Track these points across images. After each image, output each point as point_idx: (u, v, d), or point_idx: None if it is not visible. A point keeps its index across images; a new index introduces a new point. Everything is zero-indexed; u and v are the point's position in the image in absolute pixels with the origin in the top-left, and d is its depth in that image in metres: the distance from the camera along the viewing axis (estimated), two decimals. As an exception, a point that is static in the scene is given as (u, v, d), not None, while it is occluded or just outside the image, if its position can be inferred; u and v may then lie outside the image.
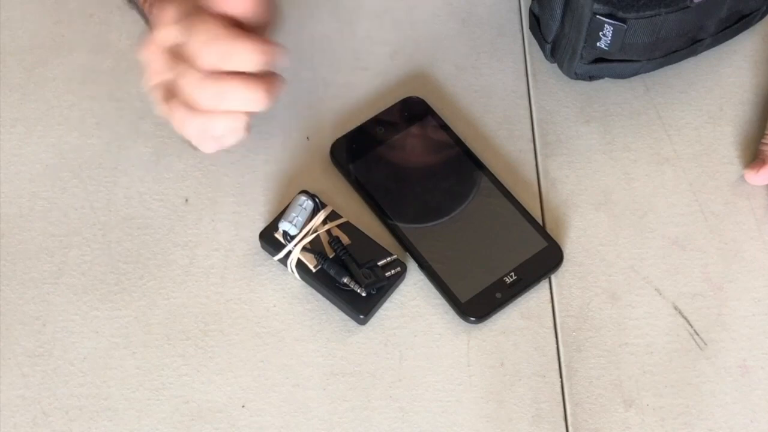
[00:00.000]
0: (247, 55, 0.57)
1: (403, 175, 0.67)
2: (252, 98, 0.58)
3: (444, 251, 0.63)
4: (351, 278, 0.61)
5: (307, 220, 0.63)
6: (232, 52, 0.57)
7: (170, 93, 0.59)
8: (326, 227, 0.63)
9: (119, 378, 0.61)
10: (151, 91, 0.61)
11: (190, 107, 0.59)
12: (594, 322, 0.62)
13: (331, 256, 0.62)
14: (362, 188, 0.66)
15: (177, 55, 0.58)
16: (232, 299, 0.63)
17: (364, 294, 0.61)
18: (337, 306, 0.62)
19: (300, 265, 0.62)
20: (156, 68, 0.59)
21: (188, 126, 0.60)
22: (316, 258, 0.62)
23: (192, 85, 0.58)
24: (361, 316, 0.61)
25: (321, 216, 0.64)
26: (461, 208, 0.65)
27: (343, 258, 0.62)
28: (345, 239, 0.63)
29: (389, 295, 0.63)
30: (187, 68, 0.58)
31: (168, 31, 0.58)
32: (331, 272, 0.61)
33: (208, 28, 0.57)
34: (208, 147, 0.63)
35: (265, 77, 0.59)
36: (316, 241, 0.63)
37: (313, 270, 0.62)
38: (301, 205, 0.63)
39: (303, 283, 0.63)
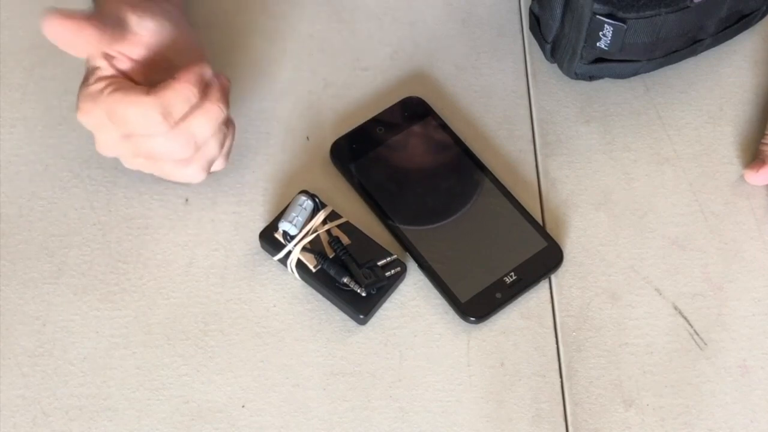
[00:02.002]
0: (178, 105, 0.58)
1: (403, 175, 0.67)
2: (215, 117, 0.60)
3: (444, 251, 0.63)
4: (351, 278, 0.61)
5: (307, 220, 0.63)
6: (125, 110, 0.58)
7: (137, 152, 0.61)
8: (326, 227, 0.63)
9: (119, 378, 0.61)
10: (109, 154, 0.63)
11: (169, 160, 0.61)
12: (594, 322, 0.62)
13: (331, 256, 0.62)
14: (362, 188, 0.66)
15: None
16: (232, 299, 0.63)
17: (364, 294, 0.61)
18: (337, 306, 0.62)
19: (300, 265, 0.62)
20: (106, 144, 0.61)
21: (179, 175, 0.63)
22: (316, 258, 0.62)
23: (159, 146, 0.60)
24: (361, 316, 0.61)
25: (321, 216, 0.64)
26: (461, 208, 0.65)
27: (343, 258, 0.62)
28: (345, 239, 0.63)
29: (389, 295, 0.63)
30: (141, 140, 0.60)
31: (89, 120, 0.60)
32: (331, 272, 0.61)
33: (116, 106, 0.58)
34: (198, 177, 0.64)
35: (210, 88, 0.60)
36: (316, 241, 0.63)
37: (313, 270, 0.62)
38: (301, 205, 0.63)
39: (303, 283, 0.63)
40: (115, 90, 0.58)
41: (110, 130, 0.60)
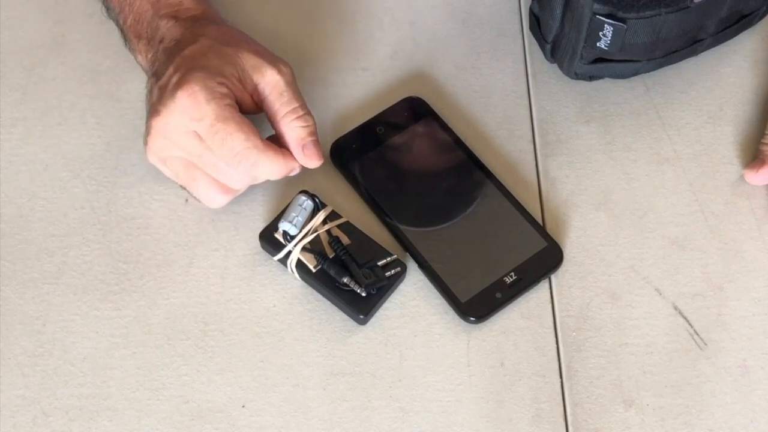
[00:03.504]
0: (269, 171, 0.62)
1: (403, 175, 0.67)
2: (286, 172, 0.63)
3: (444, 251, 0.63)
4: (351, 278, 0.61)
5: (307, 220, 0.63)
6: (257, 169, 0.62)
7: (188, 164, 0.62)
8: (326, 227, 0.63)
9: (119, 378, 0.61)
10: (159, 162, 0.64)
11: (218, 180, 0.63)
12: (594, 322, 0.62)
13: (331, 256, 0.62)
14: (362, 188, 0.66)
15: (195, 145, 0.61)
16: (232, 299, 0.63)
17: (364, 294, 0.61)
18: (337, 306, 0.62)
19: (300, 265, 0.62)
20: (168, 152, 0.63)
21: (209, 197, 0.64)
22: (316, 258, 0.62)
23: (224, 175, 0.62)
24: (361, 316, 0.61)
25: (321, 216, 0.64)
26: (461, 208, 0.65)
27: (343, 258, 0.62)
28: (345, 239, 0.63)
29: (389, 295, 0.63)
30: (212, 158, 0.61)
31: (189, 143, 0.61)
32: (331, 272, 0.61)
33: (233, 144, 0.60)
34: (220, 204, 0.65)
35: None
36: (316, 241, 0.63)
37: (313, 270, 0.62)
38: (301, 205, 0.63)
39: (303, 283, 0.63)
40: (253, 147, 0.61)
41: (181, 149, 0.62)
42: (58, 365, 0.61)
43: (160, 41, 0.65)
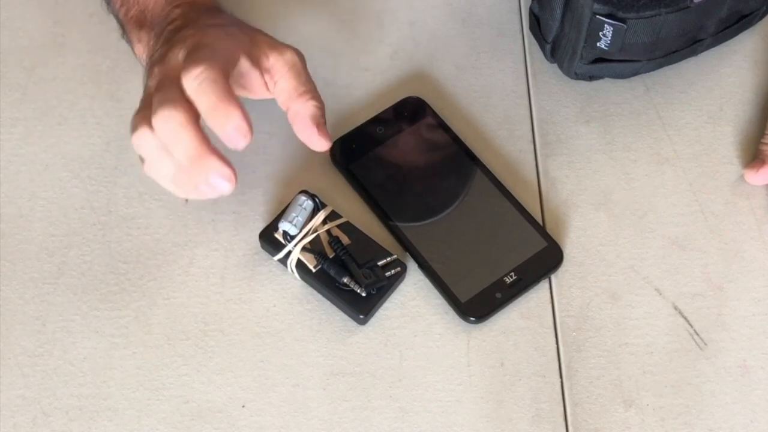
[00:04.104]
0: (214, 174, 0.57)
1: (403, 175, 0.67)
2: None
3: (444, 251, 0.63)
4: (351, 278, 0.61)
5: (307, 220, 0.63)
6: (203, 171, 0.57)
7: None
8: (326, 227, 0.63)
9: (119, 378, 0.61)
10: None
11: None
12: (594, 322, 0.62)
13: (331, 256, 0.62)
14: (362, 188, 0.66)
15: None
16: (232, 299, 0.63)
17: (364, 294, 0.61)
18: (337, 306, 0.62)
19: (300, 265, 0.62)
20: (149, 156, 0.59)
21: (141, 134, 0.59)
22: (316, 258, 0.62)
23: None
24: (361, 316, 0.61)
25: (321, 216, 0.64)
26: (461, 208, 0.65)
27: (343, 258, 0.62)
28: (345, 239, 0.63)
29: (389, 295, 0.63)
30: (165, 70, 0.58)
31: (144, 138, 0.58)
32: (331, 272, 0.61)
33: (187, 145, 0.56)
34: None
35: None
36: (316, 241, 0.63)
37: (313, 270, 0.62)
38: (301, 205, 0.63)
39: (303, 283, 0.63)
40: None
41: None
42: (58, 365, 0.61)
43: (169, 23, 0.64)
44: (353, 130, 0.69)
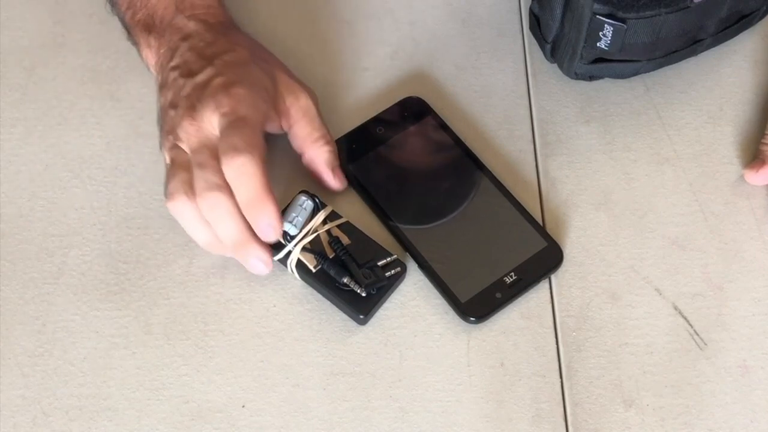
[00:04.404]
0: (246, 189, 0.59)
1: (403, 175, 0.67)
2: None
3: (444, 251, 0.63)
4: (351, 278, 0.61)
5: (307, 220, 0.63)
6: (244, 254, 0.61)
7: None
8: (326, 227, 0.63)
9: (119, 378, 0.61)
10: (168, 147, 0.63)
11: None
12: (594, 322, 0.62)
13: (331, 256, 0.62)
14: (362, 188, 0.66)
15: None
16: (232, 299, 0.63)
17: (364, 294, 0.61)
18: (337, 306, 0.62)
19: (300, 265, 0.62)
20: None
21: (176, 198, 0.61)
22: (316, 258, 0.62)
23: (203, 167, 0.60)
24: (361, 316, 0.61)
25: (321, 216, 0.64)
26: (461, 208, 0.65)
27: (343, 258, 0.62)
28: (345, 239, 0.63)
29: (389, 295, 0.63)
30: (206, 157, 0.60)
31: (202, 132, 0.61)
32: (331, 272, 0.61)
33: (233, 231, 0.60)
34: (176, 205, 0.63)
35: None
36: (316, 241, 0.63)
37: (313, 270, 0.62)
38: (301, 205, 0.63)
39: (303, 283, 0.63)
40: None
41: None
42: (58, 365, 0.61)
43: (184, 39, 0.65)
44: (353, 130, 0.69)
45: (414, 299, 0.63)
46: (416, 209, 0.65)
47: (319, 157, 0.65)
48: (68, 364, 0.61)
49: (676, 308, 0.63)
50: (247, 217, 0.60)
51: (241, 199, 0.59)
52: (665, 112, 0.70)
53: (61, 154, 0.69)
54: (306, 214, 0.63)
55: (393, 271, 0.62)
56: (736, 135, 0.69)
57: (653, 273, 0.64)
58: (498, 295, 0.62)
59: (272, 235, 0.60)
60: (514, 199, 0.65)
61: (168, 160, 0.62)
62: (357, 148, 0.68)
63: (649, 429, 0.59)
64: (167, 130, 0.63)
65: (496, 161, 0.68)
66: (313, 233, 0.63)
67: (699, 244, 0.65)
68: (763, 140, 0.67)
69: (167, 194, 0.61)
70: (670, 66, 0.71)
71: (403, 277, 0.63)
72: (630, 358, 0.61)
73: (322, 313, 0.63)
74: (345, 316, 0.62)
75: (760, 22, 0.73)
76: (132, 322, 0.63)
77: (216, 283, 0.64)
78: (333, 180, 0.65)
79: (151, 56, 0.67)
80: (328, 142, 0.65)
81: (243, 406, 0.60)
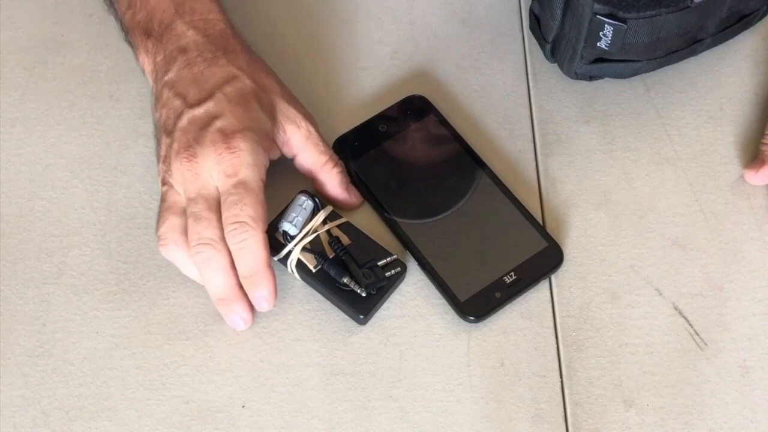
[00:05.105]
0: (251, 256, 0.60)
1: (404, 173, 0.67)
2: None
3: (444, 250, 0.63)
4: (351, 278, 0.61)
5: (307, 220, 0.63)
6: (227, 309, 0.62)
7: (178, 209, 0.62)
8: (326, 227, 0.63)
9: (119, 378, 0.61)
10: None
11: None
12: (594, 322, 0.62)
13: (331, 256, 0.62)
14: (363, 186, 0.66)
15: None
16: (232, 299, 0.63)
17: (364, 294, 0.61)
18: (337, 306, 0.62)
19: (300, 265, 0.62)
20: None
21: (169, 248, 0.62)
22: (316, 258, 0.62)
23: (200, 220, 0.61)
24: (361, 316, 0.61)
25: (321, 216, 0.64)
26: (462, 207, 0.65)
27: (343, 258, 0.62)
28: (345, 239, 0.63)
29: (389, 295, 0.63)
30: (205, 210, 0.61)
31: (199, 183, 0.61)
32: (331, 272, 0.61)
33: (221, 287, 0.61)
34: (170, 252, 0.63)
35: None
36: (316, 241, 0.63)
37: (313, 270, 0.62)
38: (301, 205, 0.63)
39: (303, 283, 0.63)
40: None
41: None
42: (58, 365, 0.61)
43: (182, 51, 0.64)
44: (355, 128, 0.69)
45: (414, 299, 0.63)
46: (417, 208, 0.65)
47: (331, 181, 0.65)
48: (68, 364, 0.61)
49: (676, 308, 0.63)
50: (243, 285, 0.61)
51: (241, 270, 0.60)
52: (665, 112, 0.70)
53: (61, 154, 0.69)
54: (306, 214, 0.63)
55: (393, 271, 0.62)
56: (736, 135, 0.69)
57: (653, 273, 0.64)
58: (497, 294, 0.62)
59: (264, 307, 0.61)
60: (515, 198, 0.65)
61: (161, 190, 0.63)
62: (359, 146, 0.68)
63: (649, 429, 0.59)
64: (162, 155, 0.63)
65: (497, 161, 0.68)
66: (313, 233, 0.63)
67: (699, 244, 0.65)
68: (763, 140, 0.67)
69: (159, 237, 0.62)
70: (671, 66, 0.71)
71: (403, 277, 0.63)
72: (630, 358, 0.61)
73: (322, 313, 0.63)
74: (345, 316, 0.62)
75: (760, 22, 0.73)
76: (132, 322, 0.63)
77: (216, 283, 0.64)
78: (349, 199, 0.66)
79: (147, 62, 0.66)
80: (336, 164, 0.65)
81: (243, 406, 0.60)
